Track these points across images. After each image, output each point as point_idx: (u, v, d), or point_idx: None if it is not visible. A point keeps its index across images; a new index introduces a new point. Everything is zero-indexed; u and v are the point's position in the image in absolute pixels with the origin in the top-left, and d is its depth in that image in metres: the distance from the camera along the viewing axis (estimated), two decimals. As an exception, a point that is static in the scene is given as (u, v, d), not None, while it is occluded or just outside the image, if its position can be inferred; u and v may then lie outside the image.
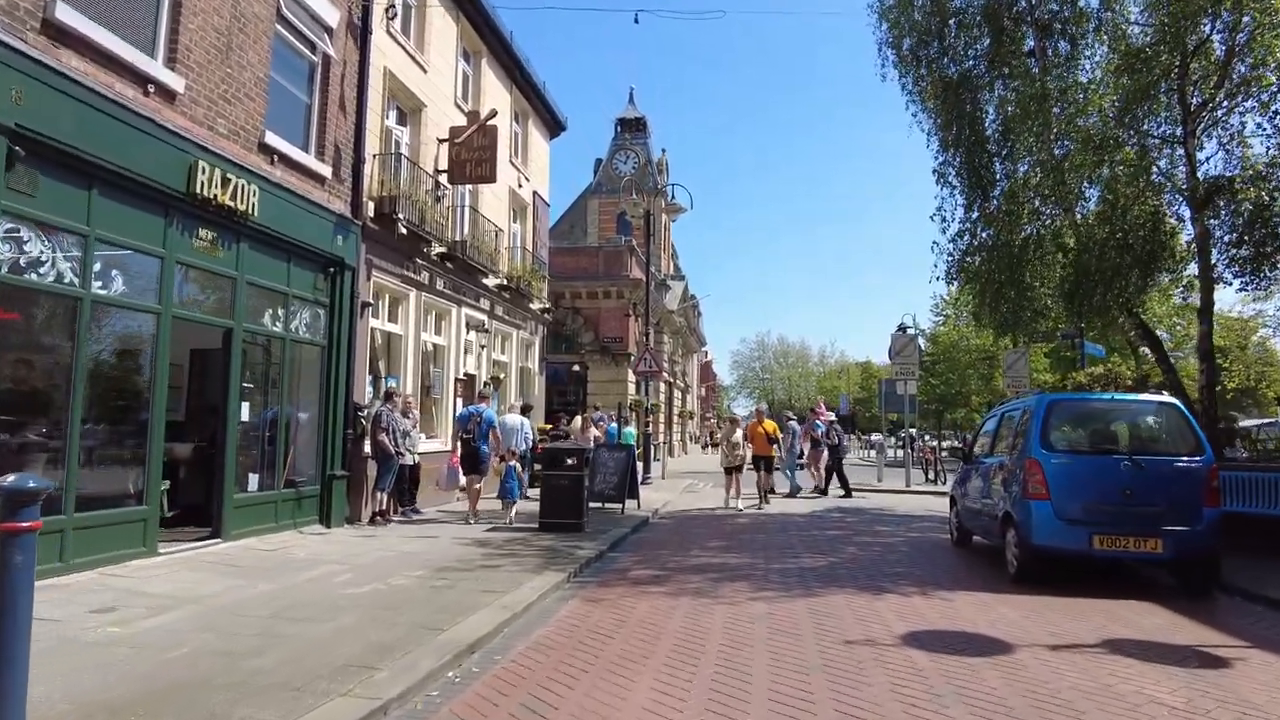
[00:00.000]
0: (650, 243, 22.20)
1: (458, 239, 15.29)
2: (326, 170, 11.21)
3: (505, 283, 17.84)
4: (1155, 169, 11.46)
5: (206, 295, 9.27)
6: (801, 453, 18.74)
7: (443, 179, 14.72)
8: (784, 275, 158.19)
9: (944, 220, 14.51)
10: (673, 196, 20.58)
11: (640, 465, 20.32)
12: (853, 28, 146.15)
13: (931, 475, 22.21)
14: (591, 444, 16.00)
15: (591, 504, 13.71)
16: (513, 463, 13.70)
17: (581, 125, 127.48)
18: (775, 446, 15.86)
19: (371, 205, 12.34)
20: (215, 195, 8.74)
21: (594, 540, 10.21)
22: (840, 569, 8.68)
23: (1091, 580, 7.96)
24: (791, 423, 18.71)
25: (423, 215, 13.33)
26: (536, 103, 20.45)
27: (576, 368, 33.34)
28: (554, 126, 22.04)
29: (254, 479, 10.17)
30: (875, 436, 74.86)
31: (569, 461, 11.21)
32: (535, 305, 20.35)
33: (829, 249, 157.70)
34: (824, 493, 17.89)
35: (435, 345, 15.13)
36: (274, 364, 10.56)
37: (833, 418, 19.76)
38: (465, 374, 16.10)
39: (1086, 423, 8.38)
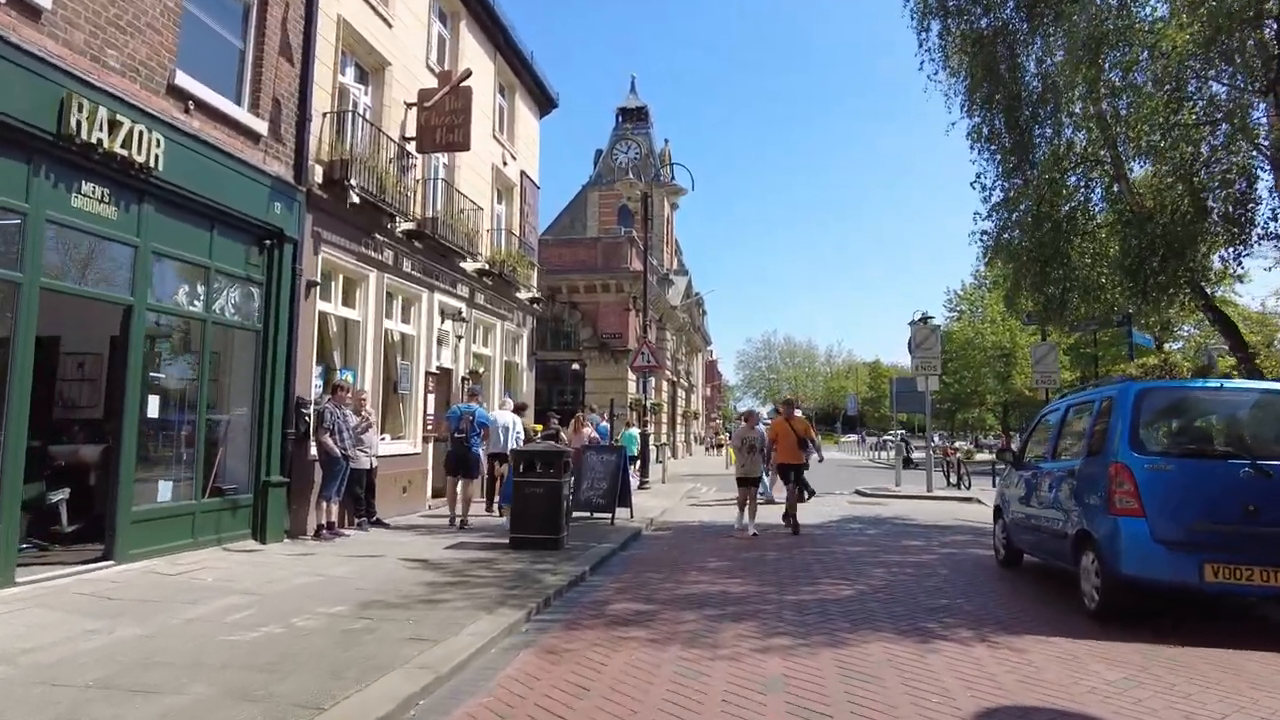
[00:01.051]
0: (649, 227, 20.52)
1: (429, 215, 13.64)
2: (262, 126, 9.57)
3: (487, 268, 16.19)
4: (1237, 120, 9.69)
5: (95, 265, 7.63)
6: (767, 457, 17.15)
7: (411, 148, 13.08)
8: (788, 273, 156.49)
9: (984, 189, 12.80)
10: (673, 177, 18.70)
11: (638, 469, 18.68)
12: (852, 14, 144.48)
13: (954, 479, 20.47)
14: (584, 444, 14.43)
15: (577, 513, 12.10)
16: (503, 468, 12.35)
17: (583, 121, 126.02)
18: (807, 450, 12.16)
19: (319, 170, 10.69)
20: (100, 141, 7.10)
21: (572, 561, 8.54)
22: (871, 601, 6.99)
23: (1186, 615, 6.27)
24: (759, 427, 17.10)
25: (383, 184, 11.68)
26: (524, 75, 18.79)
27: (576, 366, 31.69)
28: (544, 103, 20.38)
29: (166, 487, 8.53)
30: (888, 436, 72.95)
31: (544, 466, 9.55)
32: (523, 295, 18.69)
33: (834, 247, 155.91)
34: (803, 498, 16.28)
35: (403, 335, 13.48)
36: (194, 351, 8.92)
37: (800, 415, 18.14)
38: (439, 367, 14.45)
39: (1188, 417, 6.68)
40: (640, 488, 18.34)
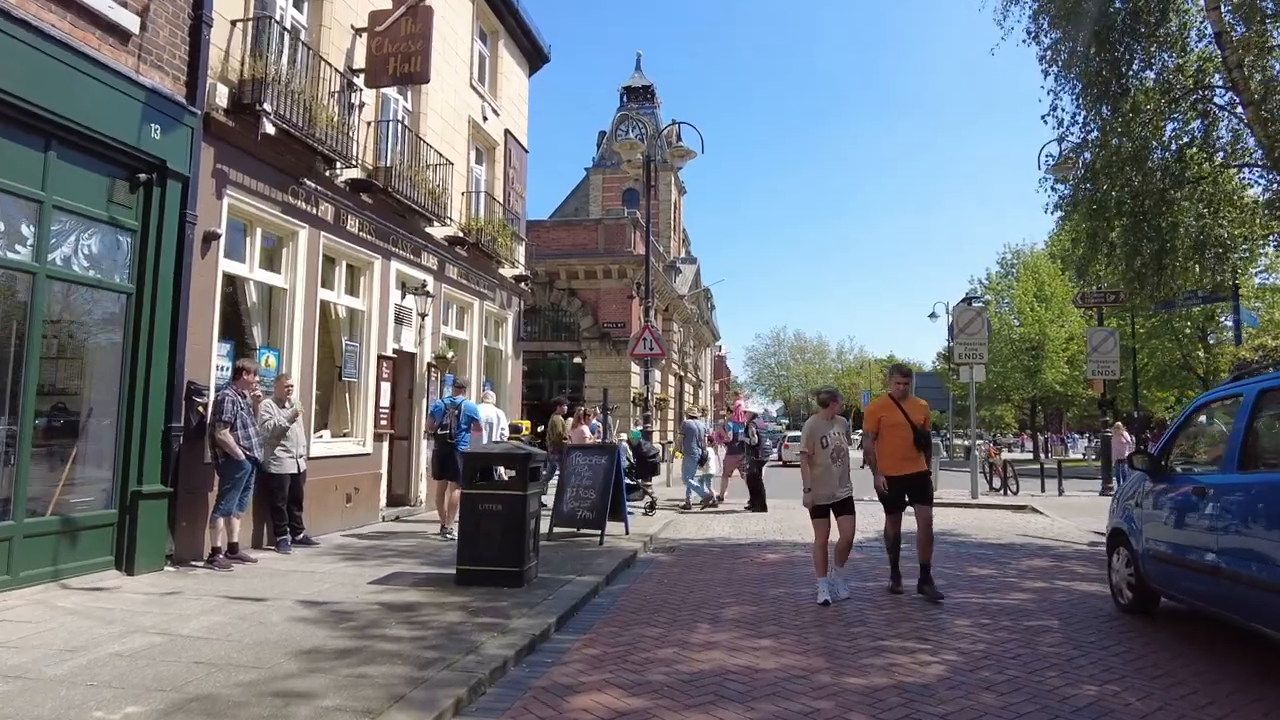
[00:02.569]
0: (652, 194, 18.13)
1: (382, 165, 11.27)
2: (132, 21, 7.19)
3: (461, 236, 13.81)
4: None
5: None
6: (704, 458, 15.10)
7: (360, 82, 10.71)
8: (799, 268, 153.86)
9: (1060, 124, 10.31)
10: (679, 138, 16.29)
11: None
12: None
13: (997, 484, 17.97)
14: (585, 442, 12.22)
15: (559, 528, 9.72)
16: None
17: (587, 106, 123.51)
18: (929, 451, 7.68)
19: (224, 92, 8.31)
20: None
21: (532, 608, 6.15)
22: (977, 686, 4.57)
23: None
24: (693, 422, 14.79)
25: (313, 118, 9.30)
26: (510, 20, 16.40)
27: (578, 359, 29.32)
28: (534, 56, 17.98)
29: (-29, 503, 6.19)
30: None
31: (502, 473, 7.17)
32: (508, 272, 16.31)
33: (847, 241, 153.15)
34: (759, 507, 13.93)
35: (350, 310, 11.12)
36: (16, 315, 6.55)
37: (756, 413, 16.06)
38: (397, 351, 12.08)
39: None
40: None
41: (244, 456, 7.70)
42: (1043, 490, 17.84)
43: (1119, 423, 19.62)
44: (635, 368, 30.76)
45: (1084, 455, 47.06)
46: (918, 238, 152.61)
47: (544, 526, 9.78)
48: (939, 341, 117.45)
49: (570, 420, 15.26)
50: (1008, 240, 60.19)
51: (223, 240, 8.32)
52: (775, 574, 8.17)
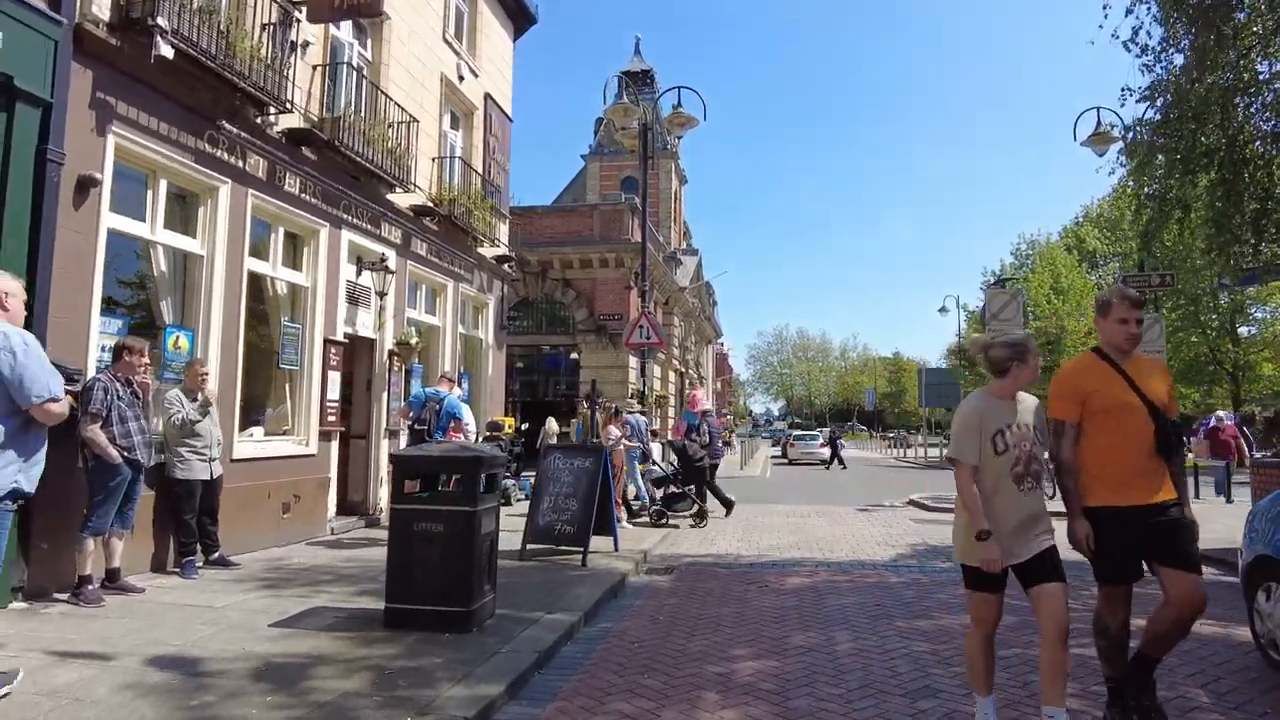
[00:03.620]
0: (650, 176, 16.49)
1: (330, 116, 9.59)
2: (-34, -105, 5.52)
3: (431, 206, 12.14)
4: None
5: None
6: (646, 456, 13.38)
7: (302, 16, 9.04)
8: (801, 265, 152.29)
9: (1144, 51, 8.58)
10: (679, 102, 14.61)
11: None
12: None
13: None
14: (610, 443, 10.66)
15: (534, 545, 8.07)
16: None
17: (583, 101, 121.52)
18: (1179, 459, 3.91)
19: (105, 1, 6.65)
20: None
21: (475, 668, 4.47)
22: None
23: None
24: (633, 417, 13.03)
25: (232, 46, 7.63)
26: (490, -29, 14.75)
27: (575, 355, 27.61)
28: (518, 16, 16.31)
29: None
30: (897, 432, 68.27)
31: (445, 482, 5.49)
32: (488, 251, 14.64)
33: (850, 239, 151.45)
34: (701, 516, 11.73)
35: (290, 285, 9.46)
36: None
37: (708, 408, 14.37)
38: (349, 335, 10.42)
39: None
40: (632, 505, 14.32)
41: (120, 458, 6.03)
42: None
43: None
44: (633, 362, 29.15)
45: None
46: (923, 233, 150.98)
47: (517, 542, 8.13)
48: (946, 337, 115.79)
49: (599, 420, 13.39)
50: (1022, 231, 58.48)
51: (107, 189, 6.64)
52: (800, 608, 6.48)
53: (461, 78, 13.63)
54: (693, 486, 11.82)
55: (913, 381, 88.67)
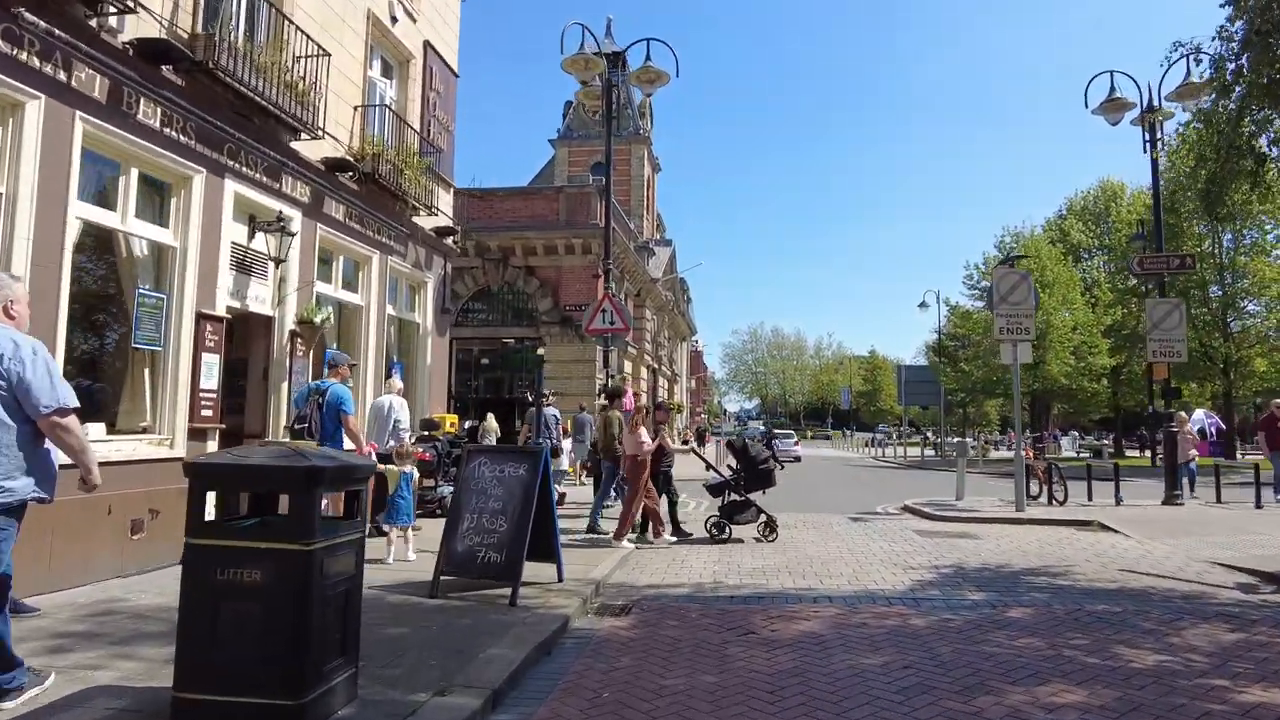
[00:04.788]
0: (614, 127, 14.74)
1: (201, 32, 7.60)
2: None
3: (351, 160, 10.20)
4: None
5: None
6: (556, 452, 12.01)
7: (163, -98, 7.06)
8: (776, 263, 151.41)
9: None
10: (648, 57, 12.76)
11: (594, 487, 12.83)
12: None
13: (1035, 489, 14.44)
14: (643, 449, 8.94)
15: (449, 577, 6.20)
16: (407, 468, 7.90)
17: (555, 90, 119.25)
18: None
19: None
20: None
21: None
22: None
23: None
24: (585, 415, 11.37)
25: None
26: (431, -98, 12.80)
27: (542, 350, 25.66)
28: (467, -42, 14.39)
29: None
30: (879, 431, 66.69)
31: (272, 508, 3.61)
32: (427, 222, 12.69)
33: (827, 238, 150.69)
34: (771, 527, 9.86)
35: (152, 244, 7.49)
36: None
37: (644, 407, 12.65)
38: (235, 309, 8.46)
39: None
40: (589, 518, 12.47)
41: None
42: (1090, 499, 14.56)
43: (1181, 414, 16.32)
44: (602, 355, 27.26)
45: (1077, 453, 44.21)
46: (900, 230, 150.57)
47: (430, 571, 6.23)
48: (924, 334, 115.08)
49: (624, 421, 11.54)
50: (1006, 223, 57.32)
51: None
52: (802, 675, 4.64)
53: (395, 19, 11.69)
54: (761, 491, 10.14)
55: (888, 380, 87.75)
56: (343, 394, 7.90)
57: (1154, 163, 14.42)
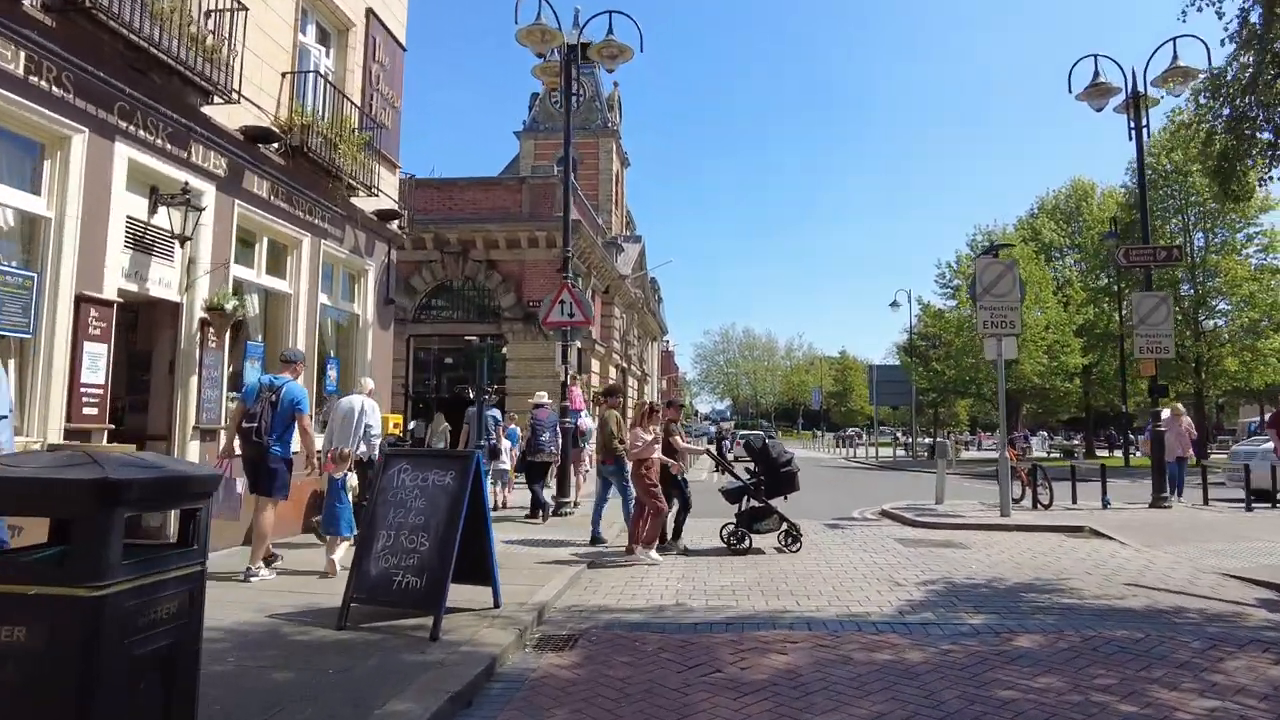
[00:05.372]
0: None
1: (81, -32, 6.54)
2: None
3: (275, 130, 9.14)
4: None
5: None
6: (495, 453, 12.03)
7: None
8: (747, 266, 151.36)
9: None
10: (610, 30, 11.86)
11: (551, 489, 11.91)
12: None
13: (1016, 492, 13.68)
14: (653, 452, 8.32)
15: (361, 605, 5.22)
16: (341, 473, 7.22)
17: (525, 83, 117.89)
18: None
19: None
20: None
21: None
22: None
23: None
24: (489, 410, 10.88)
25: None
26: None
27: (477, 340, 24.60)
28: (416, -77, 13.35)
29: None
30: (851, 431, 66.36)
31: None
32: (368, 205, 11.64)
33: (796, 240, 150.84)
34: (793, 537, 9.10)
35: (21, 214, 6.42)
36: None
37: (544, 402, 12.11)
38: (130, 292, 7.39)
39: None
40: (549, 511, 11.52)
41: None
42: (1074, 501, 13.87)
43: (1177, 406, 15.69)
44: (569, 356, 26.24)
45: (1047, 453, 44.00)
46: (867, 235, 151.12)
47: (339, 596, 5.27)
48: (892, 335, 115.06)
49: (629, 418, 10.64)
50: (978, 222, 57.33)
51: None
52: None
53: (331, -20, 10.64)
54: (783, 496, 9.31)
55: (859, 380, 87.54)
56: (299, 393, 7.12)
57: (1139, 150, 13.79)
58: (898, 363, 50.75)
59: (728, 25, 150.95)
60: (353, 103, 10.97)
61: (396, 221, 12.44)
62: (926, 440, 44.08)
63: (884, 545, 9.62)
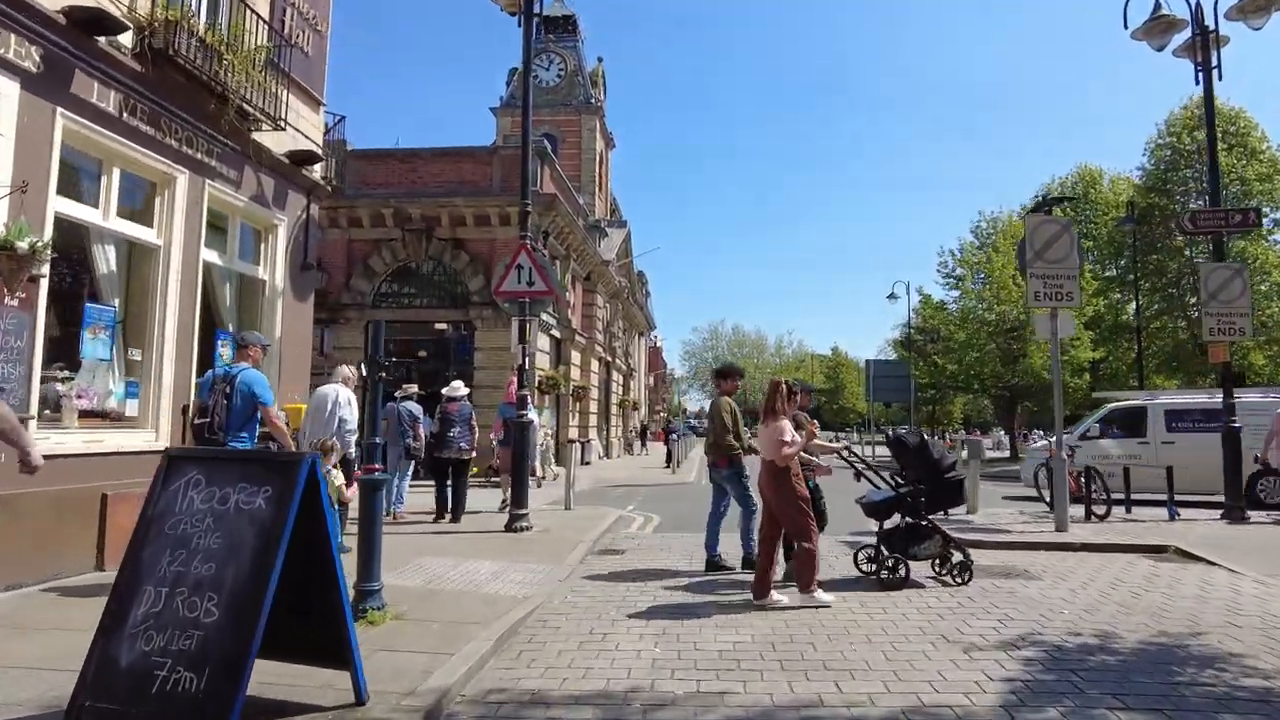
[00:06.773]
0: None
1: None
2: None
3: (122, 20, 6.84)
4: None
5: None
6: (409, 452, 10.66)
7: None
8: (736, 263, 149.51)
9: None
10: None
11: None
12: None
13: (1049, 500, 11.42)
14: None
15: (98, 710, 2.79)
16: (327, 467, 6.46)
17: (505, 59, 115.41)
18: None
19: None
20: None
21: None
22: None
23: None
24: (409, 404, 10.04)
25: None
26: None
27: (443, 326, 22.32)
28: None
29: None
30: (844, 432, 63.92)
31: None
32: (274, 142, 9.34)
33: (785, 235, 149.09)
34: (964, 569, 6.77)
35: None
36: None
37: (461, 395, 11.00)
38: None
39: None
40: (511, 518, 9.37)
41: None
42: (1128, 511, 11.73)
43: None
44: (544, 345, 23.95)
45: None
46: (858, 230, 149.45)
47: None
48: (885, 332, 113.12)
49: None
50: (982, 209, 55.30)
51: None
52: None
53: None
54: (944, 513, 7.42)
55: (851, 377, 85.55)
56: (255, 379, 6.24)
57: (1208, 92, 11.71)
58: (895, 358, 48.78)
59: (718, 18, 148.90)
60: (255, 12, 8.68)
61: (316, 166, 10.15)
62: (967, 437, 42.08)
63: (928, 574, 7.42)
